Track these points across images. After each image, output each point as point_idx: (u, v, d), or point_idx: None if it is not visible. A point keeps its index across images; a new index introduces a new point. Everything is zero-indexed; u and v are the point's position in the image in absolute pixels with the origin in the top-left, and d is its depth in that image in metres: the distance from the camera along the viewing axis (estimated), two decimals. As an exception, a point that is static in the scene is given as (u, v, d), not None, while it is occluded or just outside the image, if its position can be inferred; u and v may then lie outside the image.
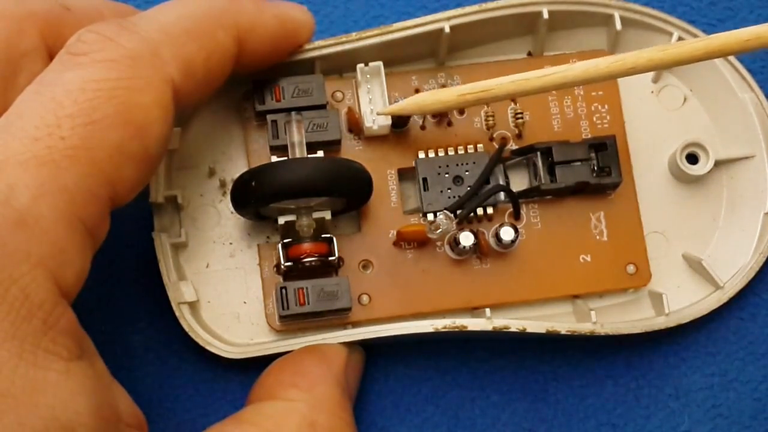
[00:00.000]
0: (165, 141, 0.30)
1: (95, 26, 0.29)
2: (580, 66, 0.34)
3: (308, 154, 0.35)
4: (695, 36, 0.38)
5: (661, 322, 0.37)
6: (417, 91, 0.37)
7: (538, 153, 0.37)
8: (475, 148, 0.37)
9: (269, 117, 0.36)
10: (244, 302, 0.37)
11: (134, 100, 0.28)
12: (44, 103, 0.27)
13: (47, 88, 0.28)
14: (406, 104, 0.36)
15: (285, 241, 0.35)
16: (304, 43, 0.36)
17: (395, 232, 0.37)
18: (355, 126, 0.37)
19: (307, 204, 0.35)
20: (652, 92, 0.40)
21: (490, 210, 0.37)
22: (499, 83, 0.34)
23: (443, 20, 0.37)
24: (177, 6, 0.32)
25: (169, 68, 0.30)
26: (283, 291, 0.35)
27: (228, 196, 0.36)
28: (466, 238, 0.36)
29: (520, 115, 0.38)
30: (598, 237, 0.37)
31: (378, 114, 0.37)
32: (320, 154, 0.36)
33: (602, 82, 0.36)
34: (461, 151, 0.37)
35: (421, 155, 0.37)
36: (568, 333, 0.36)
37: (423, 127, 0.38)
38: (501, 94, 0.35)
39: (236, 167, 0.37)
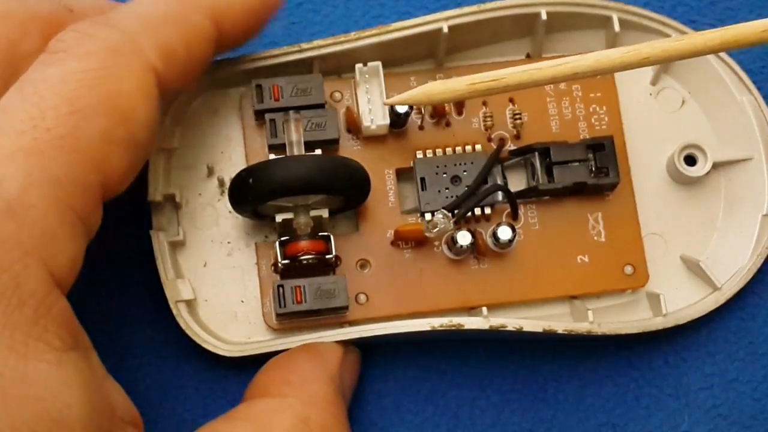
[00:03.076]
0: (152, 127, 0.30)
1: (73, 26, 0.30)
2: (592, 56, 0.33)
3: (306, 153, 0.35)
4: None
5: (658, 323, 0.37)
6: (416, 91, 0.37)
7: (536, 153, 0.37)
8: (473, 149, 0.37)
9: (268, 116, 0.36)
10: (242, 301, 0.37)
11: (117, 87, 0.29)
12: (27, 97, 0.27)
13: (29, 85, 0.28)
14: (415, 93, 0.35)
15: (282, 239, 0.35)
16: (277, 8, 0.35)
17: (393, 232, 0.37)
18: (353, 126, 0.37)
19: (304, 202, 0.35)
20: (651, 94, 0.40)
21: (487, 210, 0.37)
22: (511, 72, 0.34)
23: (442, 20, 0.37)
24: None
25: (149, 55, 0.30)
26: (280, 289, 0.35)
27: (226, 195, 0.36)
28: (464, 238, 0.36)
29: (518, 116, 0.38)
30: (595, 238, 0.37)
31: (385, 104, 0.36)
32: (318, 152, 0.36)
33: (612, 73, 0.36)
34: (459, 151, 0.37)
35: (419, 155, 0.37)
36: (565, 332, 0.36)
37: (421, 127, 0.38)
38: (512, 83, 0.34)
39: (235, 166, 0.37)
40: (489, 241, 0.37)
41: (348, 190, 0.35)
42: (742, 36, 0.33)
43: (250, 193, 0.34)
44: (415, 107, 0.37)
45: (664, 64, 0.39)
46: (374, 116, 0.37)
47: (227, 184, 0.37)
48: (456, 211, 0.36)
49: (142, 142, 0.30)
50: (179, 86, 0.32)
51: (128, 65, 0.29)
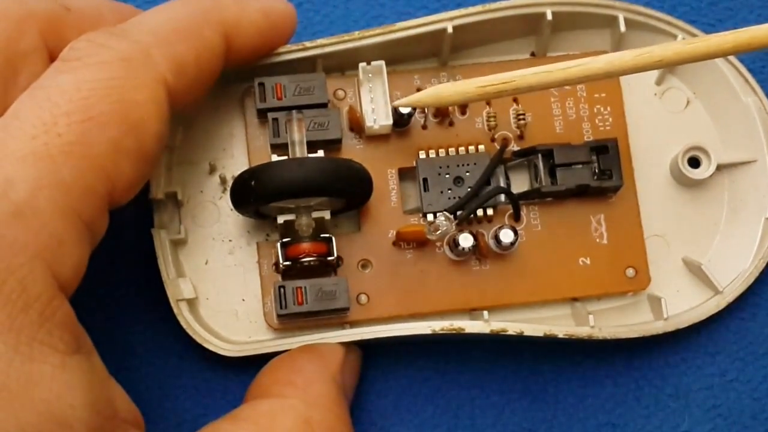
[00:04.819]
0: (161, 139, 0.30)
1: (86, 35, 0.30)
2: (604, 58, 0.33)
3: (309, 152, 0.35)
4: (699, 39, 0.38)
5: (659, 327, 0.37)
6: (419, 90, 0.37)
7: (539, 155, 0.37)
8: (476, 149, 0.37)
9: (270, 115, 0.36)
10: (243, 299, 0.37)
11: (129, 97, 0.29)
12: (40, 103, 0.28)
13: (42, 91, 0.28)
14: (424, 95, 0.35)
15: (284, 240, 0.35)
16: (290, 34, 0.36)
17: (395, 232, 0.37)
18: (356, 125, 0.37)
19: (306, 203, 0.35)
20: (656, 94, 0.39)
21: (490, 211, 0.37)
22: (521, 75, 0.34)
23: (446, 20, 0.37)
24: (163, 11, 0.32)
25: (161, 68, 0.30)
26: (282, 290, 0.35)
27: (228, 193, 0.36)
28: (466, 240, 0.36)
29: (522, 116, 0.38)
30: (598, 240, 0.37)
31: (394, 106, 0.36)
32: (321, 153, 0.35)
33: (621, 76, 0.36)
34: (462, 152, 0.37)
35: (422, 155, 0.37)
36: (566, 337, 0.36)
37: (424, 127, 0.38)
38: (523, 86, 0.34)
39: (237, 164, 0.37)
40: (491, 242, 0.36)
41: (350, 192, 0.34)
42: (756, 38, 0.32)
43: (252, 195, 0.34)
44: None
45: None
46: (377, 116, 0.37)
47: (229, 181, 0.37)
48: (458, 213, 0.36)
49: (151, 153, 0.30)
50: (188, 99, 0.32)
51: (140, 77, 0.30)
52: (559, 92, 0.38)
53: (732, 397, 0.39)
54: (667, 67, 0.34)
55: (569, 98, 0.38)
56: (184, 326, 0.35)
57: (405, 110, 0.36)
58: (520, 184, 0.38)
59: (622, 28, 0.38)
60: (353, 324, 0.36)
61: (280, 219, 0.35)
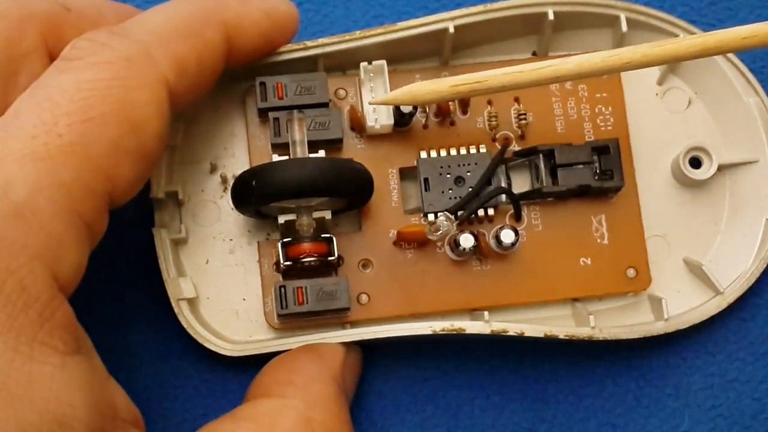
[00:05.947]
0: (162, 139, 0.30)
1: (88, 34, 0.30)
2: (574, 60, 0.34)
3: (310, 152, 0.35)
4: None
5: (659, 327, 0.37)
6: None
7: (541, 155, 0.37)
8: (478, 149, 0.37)
9: (271, 114, 0.36)
10: (243, 299, 0.37)
11: (130, 97, 0.29)
12: (41, 102, 0.28)
13: (43, 90, 0.28)
14: (399, 94, 0.35)
15: (285, 240, 0.35)
16: (292, 35, 0.36)
17: (395, 232, 0.37)
18: (357, 124, 0.37)
19: (307, 203, 0.35)
20: (657, 94, 0.39)
21: (491, 211, 0.37)
22: (492, 75, 0.34)
23: (447, 20, 0.37)
24: (165, 10, 0.32)
25: (162, 68, 0.30)
26: (282, 290, 0.35)
27: (229, 193, 0.36)
28: (466, 240, 0.36)
29: (523, 116, 0.38)
30: (598, 240, 0.37)
31: (370, 104, 0.36)
32: (322, 152, 0.35)
33: (599, 77, 0.36)
34: (463, 152, 0.37)
35: (423, 155, 0.37)
36: (567, 338, 0.36)
37: (425, 126, 0.38)
38: (495, 85, 0.34)
39: (238, 163, 0.37)
40: (492, 242, 0.36)
41: (351, 193, 0.34)
42: (723, 42, 0.33)
43: (253, 195, 0.34)
44: (420, 106, 0.37)
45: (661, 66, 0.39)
46: (378, 116, 0.36)
47: (230, 181, 0.37)
48: (459, 213, 0.36)
49: (151, 153, 0.30)
50: (189, 99, 0.32)
51: (142, 77, 0.30)
52: (561, 92, 0.38)
53: (732, 397, 0.39)
54: (636, 68, 0.34)
55: (570, 98, 0.38)
56: (185, 326, 0.35)
57: (406, 109, 0.36)
58: (521, 184, 0.38)
59: (624, 27, 0.38)
60: (354, 324, 0.36)
61: (281, 219, 0.35)
